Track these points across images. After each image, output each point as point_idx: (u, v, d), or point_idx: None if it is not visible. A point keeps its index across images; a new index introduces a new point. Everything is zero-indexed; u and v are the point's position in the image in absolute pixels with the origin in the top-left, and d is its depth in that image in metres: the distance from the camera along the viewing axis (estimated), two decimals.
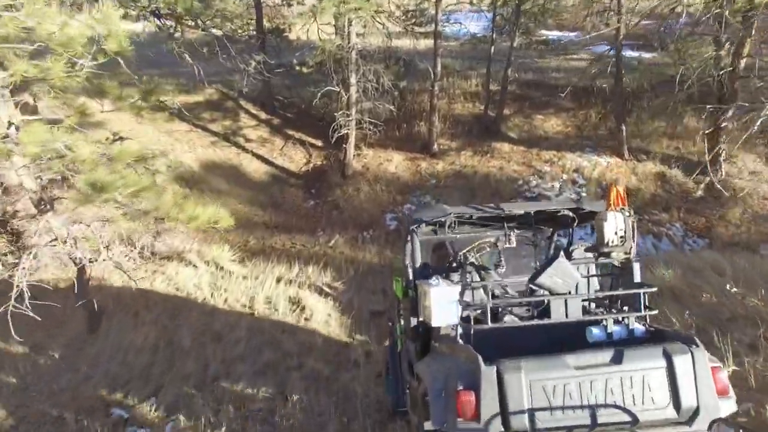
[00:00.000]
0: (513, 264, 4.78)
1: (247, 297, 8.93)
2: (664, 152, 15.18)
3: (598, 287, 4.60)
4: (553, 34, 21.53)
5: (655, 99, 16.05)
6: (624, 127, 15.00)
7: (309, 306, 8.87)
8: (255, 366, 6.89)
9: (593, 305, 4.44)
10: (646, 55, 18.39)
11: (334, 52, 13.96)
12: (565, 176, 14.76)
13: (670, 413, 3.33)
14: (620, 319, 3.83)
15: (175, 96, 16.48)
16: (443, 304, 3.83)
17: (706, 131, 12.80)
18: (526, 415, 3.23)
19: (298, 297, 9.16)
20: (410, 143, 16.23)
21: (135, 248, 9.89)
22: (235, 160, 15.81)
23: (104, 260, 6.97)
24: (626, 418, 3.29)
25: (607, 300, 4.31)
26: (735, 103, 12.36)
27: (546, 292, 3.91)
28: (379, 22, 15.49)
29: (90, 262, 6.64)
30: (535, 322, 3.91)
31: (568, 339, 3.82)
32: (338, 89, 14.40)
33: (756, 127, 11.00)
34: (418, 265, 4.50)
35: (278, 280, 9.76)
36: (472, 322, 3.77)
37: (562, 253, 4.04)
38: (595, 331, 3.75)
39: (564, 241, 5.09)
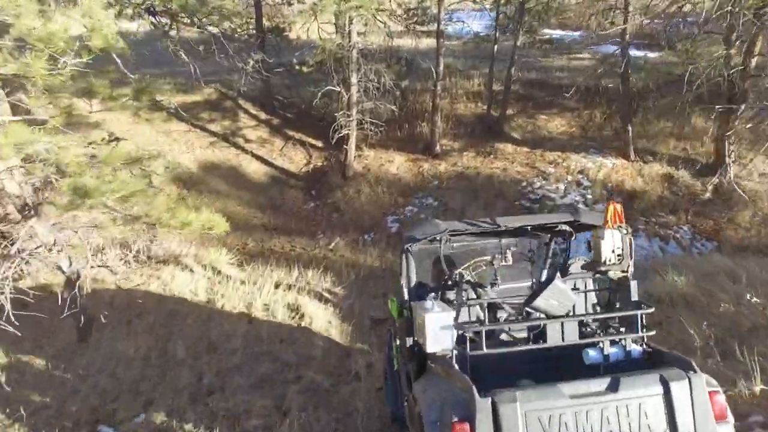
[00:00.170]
0: (509, 271, 4.73)
1: (244, 303, 8.64)
2: (671, 153, 14.89)
3: (595, 300, 4.61)
4: (556, 33, 21.33)
5: (662, 99, 15.79)
6: (630, 128, 14.71)
7: (308, 313, 8.59)
8: (251, 378, 6.59)
9: (590, 320, 4.35)
10: (651, 55, 18.13)
11: (334, 51, 13.73)
12: (569, 178, 14.49)
13: None
14: (617, 339, 3.84)
15: (173, 96, 16.25)
16: (438, 330, 3.84)
17: (716, 132, 12.57)
18: None
19: (297, 303, 8.88)
20: (412, 144, 15.97)
21: (130, 251, 9.64)
22: (234, 160, 15.56)
23: (92, 267, 6.66)
24: None
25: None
26: (746, 103, 12.09)
27: (542, 315, 3.88)
28: (381, 21, 15.25)
29: (74, 275, 6.33)
30: (532, 346, 3.88)
31: (564, 360, 3.88)
32: (339, 89, 14.17)
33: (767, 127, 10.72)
34: (413, 284, 4.53)
35: (277, 286, 9.48)
36: (468, 342, 3.74)
37: (558, 275, 4.00)
38: (592, 353, 3.75)
39: (560, 252, 5.03)
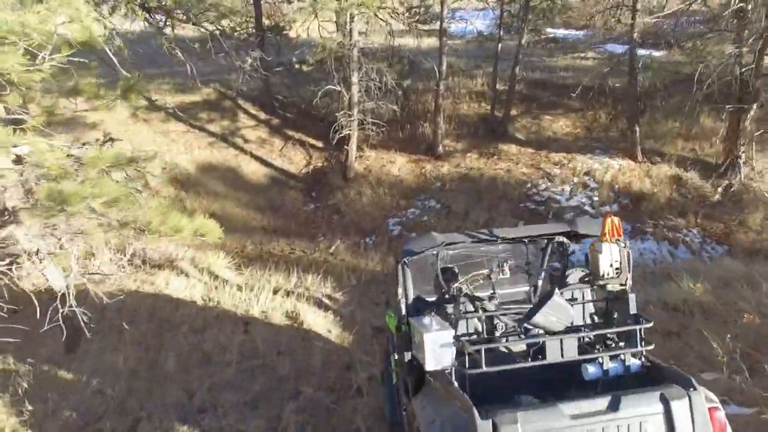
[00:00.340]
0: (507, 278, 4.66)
1: (241, 311, 8.30)
2: (679, 154, 14.56)
3: (593, 310, 4.62)
4: (560, 32, 21.06)
5: (669, 98, 15.46)
6: (637, 128, 14.37)
7: (307, 321, 8.25)
8: (246, 395, 6.24)
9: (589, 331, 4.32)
10: (656, 53, 17.80)
11: (335, 50, 13.49)
12: (575, 179, 14.17)
13: None
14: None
15: (171, 96, 16.02)
16: (437, 349, 3.79)
17: (726, 132, 12.24)
18: None
19: (296, 311, 8.52)
20: (414, 144, 15.66)
21: (125, 255, 9.32)
22: (233, 161, 15.26)
23: (83, 275, 6.31)
24: None
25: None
26: (758, 102, 11.76)
27: (541, 331, 3.88)
28: (382, 19, 14.98)
29: (60, 284, 5.99)
30: (531, 363, 3.86)
31: (564, 374, 3.89)
32: (339, 88, 13.93)
33: None
34: (410, 299, 4.47)
35: (275, 291, 9.12)
36: (467, 357, 3.74)
37: (557, 290, 3.94)
38: (591, 369, 3.76)
39: (558, 262, 4.98)
